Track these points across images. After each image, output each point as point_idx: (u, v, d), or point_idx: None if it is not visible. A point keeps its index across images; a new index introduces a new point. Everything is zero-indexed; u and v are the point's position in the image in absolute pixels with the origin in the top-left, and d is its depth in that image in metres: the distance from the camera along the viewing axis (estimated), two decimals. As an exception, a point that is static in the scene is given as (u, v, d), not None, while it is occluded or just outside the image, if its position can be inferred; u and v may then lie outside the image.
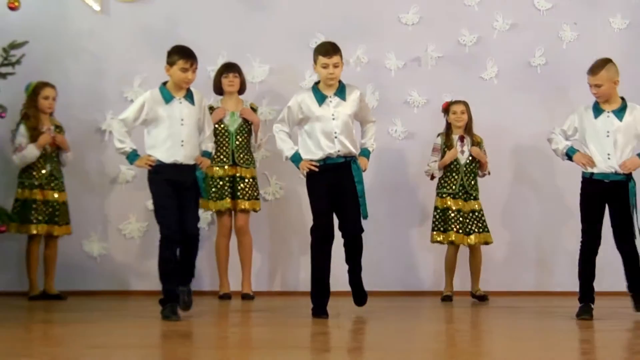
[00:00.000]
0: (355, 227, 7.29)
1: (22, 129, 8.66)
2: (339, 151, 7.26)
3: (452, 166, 8.83)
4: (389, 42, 9.55)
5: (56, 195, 8.75)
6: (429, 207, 9.00)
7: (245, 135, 8.91)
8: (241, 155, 8.85)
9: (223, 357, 5.59)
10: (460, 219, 8.75)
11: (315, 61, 7.30)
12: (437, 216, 8.82)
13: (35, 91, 8.75)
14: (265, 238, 9.33)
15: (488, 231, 8.80)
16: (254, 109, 9.02)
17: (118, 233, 9.29)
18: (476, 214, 8.79)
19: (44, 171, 8.70)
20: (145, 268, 9.04)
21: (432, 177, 8.89)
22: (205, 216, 9.00)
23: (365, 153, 7.46)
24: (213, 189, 8.72)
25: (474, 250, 8.85)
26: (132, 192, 9.21)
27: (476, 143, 8.86)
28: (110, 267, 9.28)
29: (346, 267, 7.42)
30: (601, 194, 7.39)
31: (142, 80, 9.21)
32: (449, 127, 8.92)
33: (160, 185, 7.13)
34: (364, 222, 7.30)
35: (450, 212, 8.77)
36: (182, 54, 7.15)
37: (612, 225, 7.43)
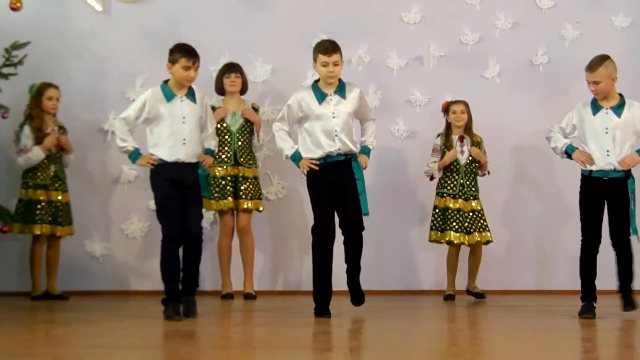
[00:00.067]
0: (356, 225, 7.27)
1: (27, 130, 8.67)
2: (339, 149, 7.26)
3: (452, 166, 8.82)
4: (391, 41, 9.55)
5: (59, 196, 8.76)
6: (429, 206, 8.99)
7: (247, 135, 8.92)
8: (243, 156, 8.86)
9: (225, 356, 5.59)
10: (461, 218, 8.75)
11: (315, 59, 7.30)
12: (436, 215, 8.82)
13: (39, 92, 8.76)
14: (268, 238, 9.34)
15: (488, 230, 8.80)
16: (255, 109, 9.03)
17: (120, 233, 9.31)
18: (476, 213, 8.79)
19: (48, 172, 8.71)
20: (147, 268, 9.05)
21: (432, 178, 8.89)
22: (207, 216, 9.00)
23: (365, 151, 7.45)
24: (216, 189, 8.73)
25: (474, 249, 8.85)
26: (134, 192, 9.22)
27: (476, 143, 8.86)
28: (112, 267, 9.30)
29: (347, 266, 7.42)
30: (600, 192, 7.37)
31: (144, 81, 9.21)
32: (448, 127, 8.91)
33: (163, 184, 7.12)
34: (365, 220, 7.29)
35: (449, 211, 8.77)
36: (184, 52, 7.14)
37: (609, 222, 7.40)
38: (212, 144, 7.40)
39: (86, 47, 9.39)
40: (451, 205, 8.77)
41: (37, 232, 8.64)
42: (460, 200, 8.78)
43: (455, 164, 8.82)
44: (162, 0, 9.47)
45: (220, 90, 8.97)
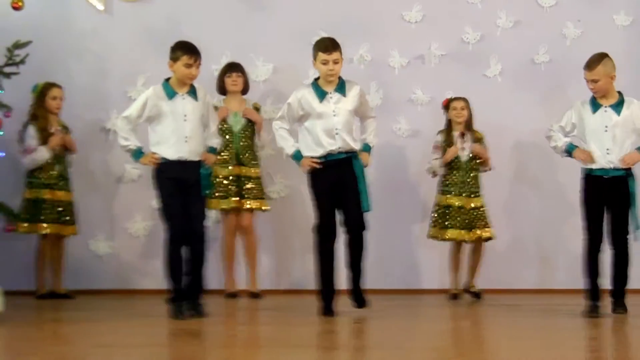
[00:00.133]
0: (357, 224, 7.27)
1: (31, 130, 8.68)
2: (340, 147, 7.26)
3: (453, 163, 8.83)
4: (393, 40, 9.56)
5: (64, 196, 8.77)
6: (431, 205, 8.98)
7: (249, 135, 8.92)
8: (246, 155, 8.87)
9: (230, 355, 5.60)
10: (462, 215, 8.75)
11: (314, 57, 7.30)
12: (437, 213, 8.83)
13: (43, 92, 8.78)
14: (272, 236, 9.35)
15: (490, 227, 8.80)
16: (256, 109, 9.04)
17: (124, 232, 9.32)
18: (478, 210, 8.79)
19: (53, 172, 8.72)
20: (151, 267, 9.06)
21: (435, 175, 8.90)
22: (211, 215, 9.00)
23: (366, 148, 7.45)
24: (219, 188, 8.73)
25: (475, 247, 8.86)
26: (137, 191, 9.22)
27: (477, 139, 8.87)
28: (116, 266, 9.32)
29: (351, 264, 7.43)
30: (601, 191, 7.37)
31: (146, 80, 9.21)
32: (449, 124, 8.92)
33: (166, 184, 7.13)
34: (367, 218, 7.29)
35: (451, 209, 8.77)
36: (185, 50, 7.14)
37: (608, 220, 7.39)
38: (215, 142, 7.41)
39: (88, 46, 9.40)
40: (453, 202, 8.78)
41: (44, 231, 8.66)
42: (461, 197, 8.78)
43: (456, 160, 8.83)
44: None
45: (222, 89, 8.98)
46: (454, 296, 8.79)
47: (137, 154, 7.20)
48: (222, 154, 8.71)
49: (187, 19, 9.38)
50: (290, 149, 7.38)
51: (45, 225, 8.64)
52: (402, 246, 9.44)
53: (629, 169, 7.41)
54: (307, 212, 8.89)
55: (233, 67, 8.98)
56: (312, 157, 7.29)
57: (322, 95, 7.31)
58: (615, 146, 7.34)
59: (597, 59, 7.34)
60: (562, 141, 7.56)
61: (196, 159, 7.18)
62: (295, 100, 7.36)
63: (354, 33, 9.29)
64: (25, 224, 8.63)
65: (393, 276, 9.37)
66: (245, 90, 9.02)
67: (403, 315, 7.76)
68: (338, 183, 7.27)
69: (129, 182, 9.32)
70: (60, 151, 8.77)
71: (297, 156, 7.35)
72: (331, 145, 7.26)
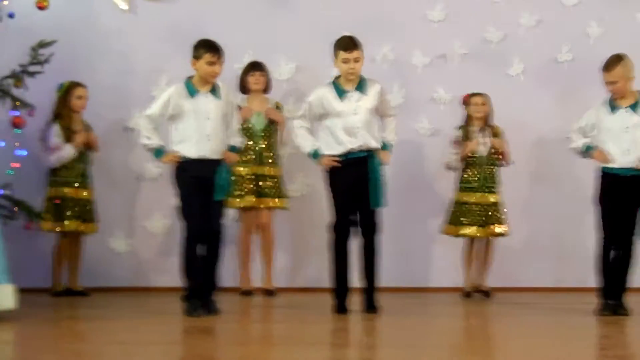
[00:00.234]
0: (371, 225, 7.27)
1: (56, 128, 8.75)
2: (360, 146, 7.28)
3: (472, 160, 8.82)
4: (415, 39, 9.56)
5: (85, 194, 8.84)
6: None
7: (271, 135, 8.95)
8: (268, 155, 8.89)
9: (245, 353, 5.63)
10: (479, 211, 8.75)
11: (335, 56, 7.32)
12: (453, 209, 8.83)
13: (68, 91, 8.83)
14: (288, 234, 9.37)
15: (504, 223, 8.78)
16: (279, 108, 9.06)
17: (143, 230, 9.37)
18: (494, 206, 8.78)
19: (76, 170, 8.79)
20: (168, 264, 9.08)
21: (453, 169, 8.90)
22: (229, 213, 9.03)
23: (386, 147, 7.46)
24: (238, 186, 8.75)
25: (487, 243, 8.85)
26: (157, 190, 9.25)
27: (495, 134, 8.87)
28: (133, 263, 9.37)
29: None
30: (619, 190, 7.34)
31: (169, 79, 9.22)
32: (468, 119, 8.93)
33: (186, 182, 7.16)
34: (385, 218, 7.29)
35: (468, 205, 8.77)
36: (208, 48, 7.17)
37: (619, 219, 7.34)
38: (238, 141, 7.42)
39: (112, 45, 9.44)
40: (469, 199, 8.77)
41: (67, 229, 8.72)
42: (478, 194, 8.78)
43: (475, 156, 8.82)
44: (187, -1, 9.55)
45: (244, 88, 9.00)
46: (467, 294, 8.78)
47: (159, 152, 7.24)
48: (244, 153, 8.71)
49: (210, 18, 9.41)
50: (309, 148, 7.40)
51: (67, 223, 8.70)
52: (419, 245, 9.43)
53: (648, 169, 7.37)
54: (325, 210, 8.93)
55: (255, 66, 9.00)
56: (332, 155, 7.30)
57: (342, 93, 7.33)
58: (635, 146, 7.30)
59: (616, 61, 7.31)
60: (581, 142, 7.57)
61: (218, 157, 7.20)
62: (315, 98, 7.39)
63: (376, 32, 9.30)
64: (48, 222, 8.69)
65: (409, 274, 9.36)
66: (267, 89, 9.04)
67: (417, 312, 7.78)
68: (356, 182, 7.29)
69: (149, 181, 9.37)
70: (82, 149, 8.84)
71: (315, 155, 7.37)
72: (352, 143, 7.28)
